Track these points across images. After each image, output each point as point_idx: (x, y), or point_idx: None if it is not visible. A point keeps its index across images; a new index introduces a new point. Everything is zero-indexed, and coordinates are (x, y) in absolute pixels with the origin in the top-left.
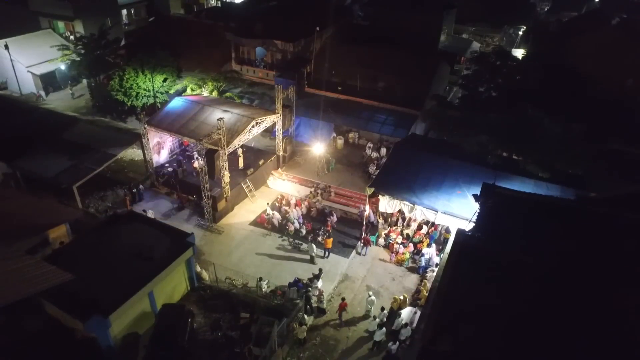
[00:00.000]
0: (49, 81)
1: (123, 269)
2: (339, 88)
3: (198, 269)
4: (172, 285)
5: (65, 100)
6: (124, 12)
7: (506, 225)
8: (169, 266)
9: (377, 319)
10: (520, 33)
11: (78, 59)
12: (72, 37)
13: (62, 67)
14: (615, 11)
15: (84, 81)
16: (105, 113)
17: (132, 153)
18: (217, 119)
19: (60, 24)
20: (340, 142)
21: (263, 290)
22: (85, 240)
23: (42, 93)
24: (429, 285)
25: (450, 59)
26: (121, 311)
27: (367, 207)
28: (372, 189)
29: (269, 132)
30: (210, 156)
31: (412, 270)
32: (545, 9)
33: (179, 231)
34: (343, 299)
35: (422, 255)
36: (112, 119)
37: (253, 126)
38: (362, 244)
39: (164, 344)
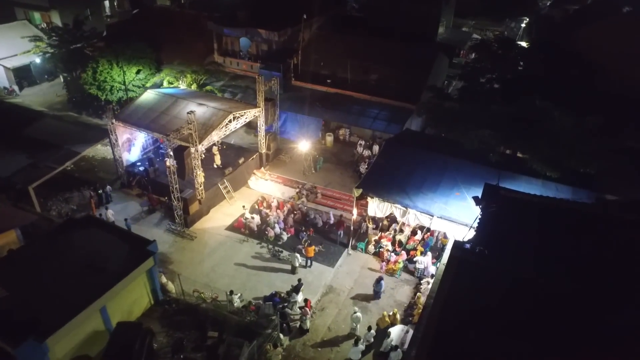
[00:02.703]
0: (23, 75)
1: (71, 281)
2: (328, 81)
3: (164, 280)
4: (130, 300)
5: (40, 96)
6: (107, 3)
7: (513, 236)
8: (125, 278)
9: (360, 343)
10: (523, 25)
11: (51, 51)
12: (50, 31)
13: (38, 60)
14: (624, 3)
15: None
16: (81, 109)
17: (105, 151)
18: (187, 112)
19: (37, 15)
20: (329, 139)
21: (235, 305)
22: (32, 248)
23: (16, 88)
24: (423, 298)
25: (449, 52)
26: (64, 332)
27: (355, 211)
28: (360, 190)
29: (254, 128)
30: (180, 154)
31: (405, 281)
32: (548, 3)
33: (140, 238)
34: (306, 300)
35: (380, 284)
36: (88, 115)
37: (230, 121)
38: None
39: None
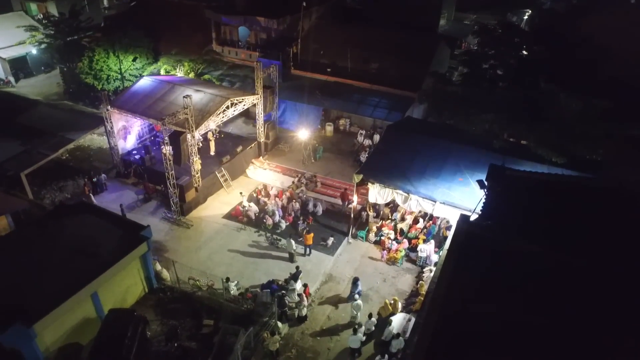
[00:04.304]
0: (20, 66)
1: (62, 267)
2: (328, 70)
3: (158, 267)
4: (123, 287)
5: (37, 87)
6: None
7: (522, 215)
8: (117, 263)
9: (360, 332)
10: (525, 18)
11: (47, 41)
12: (45, 21)
13: (34, 51)
14: None
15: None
16: (78, 100)
17: (101, 141)
18: (183, 97)
19: (33, 6)
20: (329, 128)
21: (231, 292)
22: (23, 234)
23: (11, 79)
24: (426, 287)
25: (451, 43)
26: (53, 318)
27: (355, 198)
28: (360, 176)
29: (253, 118)
30: (176, 139)
31: (407, 270)
32: None
33: (134, 223)
34: (305, 285)
35: (356, 285)
36: (85, 106)
37: (228, 107)
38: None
39: (106, 356)
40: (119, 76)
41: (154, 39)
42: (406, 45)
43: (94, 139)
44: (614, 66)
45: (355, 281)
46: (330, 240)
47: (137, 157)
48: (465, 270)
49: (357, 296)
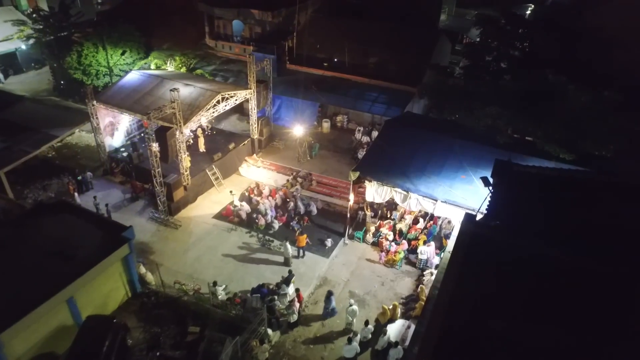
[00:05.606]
0: (9, 63)
1: (35, 270)
2: (325, 64)
3: (142, 270)
4: (104, 291)
5: (26, 84)
6: None
7: (533, 215)
8: (95, 266)
9: (355, 341)
10: (528, 12)
11: (36, 36)
12: (35, 16)
13: (23, 47)
14: None
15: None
16: (68, 96)
17: (88, 138)
18: (170, 90)
19: (23, 1)
20: (326, 125)
21: (219, 297)
22: None
23: (0, 75)
24: (426, 291)
25: (452, 37)
26: (24, 325)
27: (352, 197)
28: (357, 174)
29: (247, 115)
30: (162, 135)
31: (406, 273)
32: None
33: (115, 224)
34: (298, 290)
35: (330, 300)
36: (75, 102)
37: (218, 102)
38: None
39: None
40: (108, 71)
41: (146, 33)
42: (406, 39)
43: (82, 137)
44: (626, 58)
45: (328, 296)
46: (329, 242)
47: (124, 154)
48: (472, 276)
49: (352, 301)
